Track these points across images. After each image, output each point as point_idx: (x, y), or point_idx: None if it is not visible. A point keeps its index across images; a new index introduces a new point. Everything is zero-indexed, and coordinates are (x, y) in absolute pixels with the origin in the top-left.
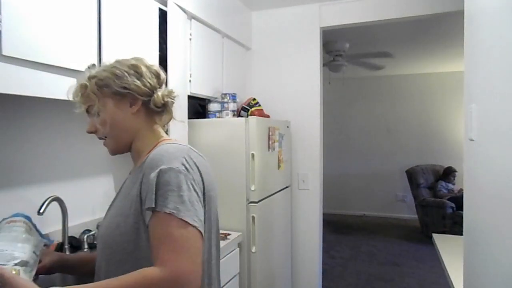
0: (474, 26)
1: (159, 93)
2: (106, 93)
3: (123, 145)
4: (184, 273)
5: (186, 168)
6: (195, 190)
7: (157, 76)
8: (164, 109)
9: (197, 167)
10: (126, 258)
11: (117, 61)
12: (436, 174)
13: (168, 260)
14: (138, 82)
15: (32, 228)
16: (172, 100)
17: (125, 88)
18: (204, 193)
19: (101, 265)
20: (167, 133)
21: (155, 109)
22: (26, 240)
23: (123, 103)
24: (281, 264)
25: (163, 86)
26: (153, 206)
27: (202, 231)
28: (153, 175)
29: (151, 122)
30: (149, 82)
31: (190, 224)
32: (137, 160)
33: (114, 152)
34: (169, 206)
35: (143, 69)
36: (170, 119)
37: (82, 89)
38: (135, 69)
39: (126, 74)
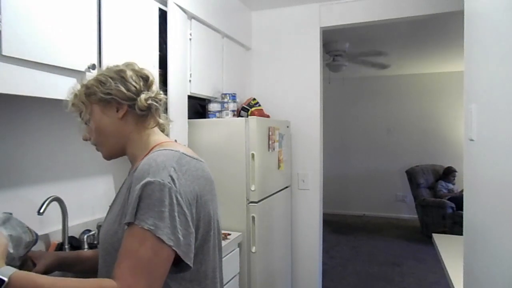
0: (474, 26)
1: (142, 97)
2: (93, 100)
3: (115, 151)
4: None
5: (173, 179)
6: (179, 204)
7: (145, 79)
8: (148, 112)
9: (188, 174)
10: None
11: (107, 68)
12: (436, 174)
13: (127, 278)
14: (121, 87)
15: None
16: (156, 104)
17: (109, 93)
18: (196, 200)
19: (102, 270)
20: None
21: (139, 112)
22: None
23: (109, 109)
24: (281, 264)
25: (153, 88)
26: (132, 221)
27: (179, 248)
28: (138, 188)
29: (141, 125)
30: (134, 86)
31: (165, 242)
32: (133, 163)
33: (107, 157)
34: (148, 222)
35: (129, 73)
36: (157, 123)
37: (73, 99)
38: (120, 74)
39: (110, 80)
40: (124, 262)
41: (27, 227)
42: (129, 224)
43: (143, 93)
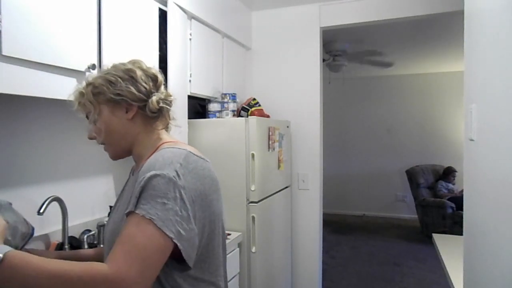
0: (474, 26)
1: (154, 98)
2: (102, 100)
3: (122, 151)
4: (128, 280)
5: (178, 174)
6: (182, 199)
7: (154, 79)
8: (159, 114)
9: (194, 172)
10: None
11: (113, 66)
12: (436, 174)
13: (119, 261)
14: (132, 88)
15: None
16: (167, 107)
17: (119, 94)
18: (202, 198)
19: None
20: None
21: (150, 114)
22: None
23: (119, 109)
24: (281, 264)
25: (162, 88)
26: (133, 210)
27: (180, 242)
28: (142, 180)
29: (149, 126)
30: (144, 87)
31: (165, 234)
32: (138, 163)
33: (115, 158)
34: (150, 212)
35: (138, 73)
36: (167, 125)
37: (80, 97)
38: (129, 74)
39: (120, 80)
40: (119, 247)
41: (24, 218)
42: (130, 213)
43: (154, 95)
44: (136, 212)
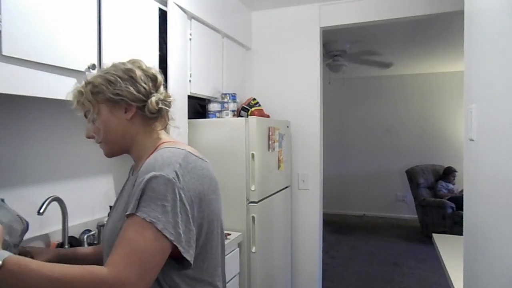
0: (474, 26)
1: (153, 99)
2: (101, 99)
3: (119, 150)
4: (127, 284)
5: (178, 175)
6: (181, 200)
7: (154, 79)
8: (158, 115)
9: (193, 172)
10: None
11: (113, 65)
12: (436, 174)
13: (118, 265)
14: (131, 88)
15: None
16: (166, 108)
17: (118, 94)
18: (201, 198)
19: None
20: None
21: (149, 115)
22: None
23: (118, 109)
24: (281, 264)
25: (161, 89)
26: (134, 212)
27: (180, 244)
28: (142, 181)
29: (148, 127)
30: (143, 87)
31: (165, 236)
32: (138, 163)
33: (109, 155)
34: (150, 215)
35: (138, 73)
36: (165, 125)
37: (79, 96)
38: (129, 73)
39: (119, 79)
40: (118, 250)
41: (17, 214)
42: (130, 215)
43: (153, 96)
44: (137, 214)
